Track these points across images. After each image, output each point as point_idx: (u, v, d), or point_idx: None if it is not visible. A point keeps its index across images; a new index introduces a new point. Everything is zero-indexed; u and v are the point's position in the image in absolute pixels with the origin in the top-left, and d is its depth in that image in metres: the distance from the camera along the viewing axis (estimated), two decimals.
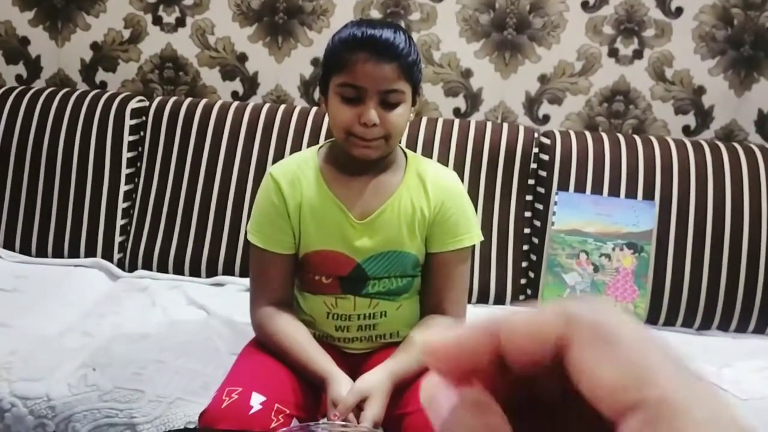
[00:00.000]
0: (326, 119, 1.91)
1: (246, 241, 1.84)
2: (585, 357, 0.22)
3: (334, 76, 1.22)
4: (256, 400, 1.14)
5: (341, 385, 1.18)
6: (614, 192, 1.83)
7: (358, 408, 1.16)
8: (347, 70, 1.20)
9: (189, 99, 2.01)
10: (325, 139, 1.83)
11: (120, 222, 1.95)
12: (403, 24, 2.05)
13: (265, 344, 1.30)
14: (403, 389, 1.22)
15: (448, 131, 1.90)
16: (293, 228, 1.30)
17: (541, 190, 1.88)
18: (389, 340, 1.34)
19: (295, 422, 1.18)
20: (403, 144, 1.35)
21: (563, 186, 1.84)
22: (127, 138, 1.96)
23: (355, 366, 1.28)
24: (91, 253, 1.93)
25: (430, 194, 1.30)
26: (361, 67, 1.18)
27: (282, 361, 1.26)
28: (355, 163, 1.28)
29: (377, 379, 1.19)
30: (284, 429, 1.02)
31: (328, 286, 1.32)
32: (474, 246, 1.36)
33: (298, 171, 1.31)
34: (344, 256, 1.29)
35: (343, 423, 1.08)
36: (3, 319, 1.57)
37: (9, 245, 1.96)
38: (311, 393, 1.23)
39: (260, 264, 1.33)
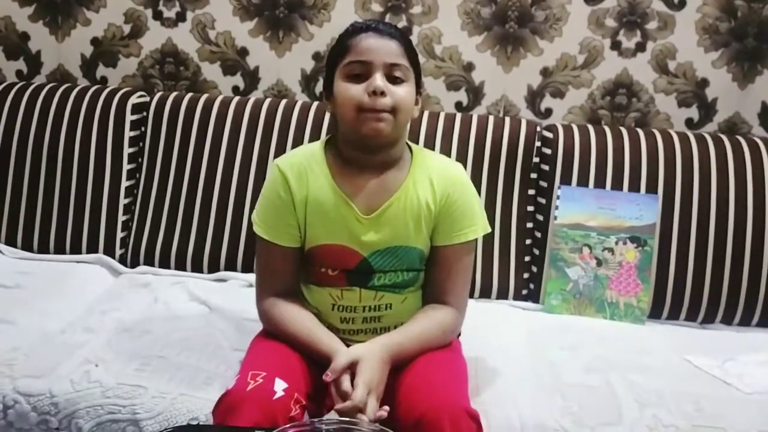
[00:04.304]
0: (327, 113, 1.90)
1: (248, 236, 1.85)
2: None
3: (340, 61, 1.26)
4: (280, 386, 1.15)
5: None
6: (617, 186, 1.82)
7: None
8: (352, 50, 1.25)
9: (190, 94, 2.01)
10: (327, 135, 1.83)
11: (122, 218, 1.95)
12: (404, 18, 2.05)
13: (273, 334, 1.31)
14: (399, 366, 1.23)
15: (450, 125, 1.89)
16: (299, 221, 1.30)
17: (544, 184, 1.87)
18: None
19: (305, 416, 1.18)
20: (406, 138, 1.36)
21: (566, 180, 1.84)
22: (128, 133, 1.96)
23: None
24: (93, 249, 1.93)
25: (436, 187, 1.31)
26: (365, 43, 1.24)
27: (291, 347, 1.26)
28: (361, 157, 1.29)
29: (369, 347, 1.21)
30: (289, 425, 1.02)
31: (334, 278, 1.32)
32: (477, 238, 1.36)
33: (305, 164, 1.31)
34: (350, 251, 1.29)
35: (349, 420, 1.07)
36: (5, 315, 1.57)
37: (11, 241, 1.96)
38: (322, 385, 1.24)
39: (266, 256, 1.34)
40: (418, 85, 1.31)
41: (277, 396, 1.13)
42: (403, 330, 1.29)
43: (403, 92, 1.25)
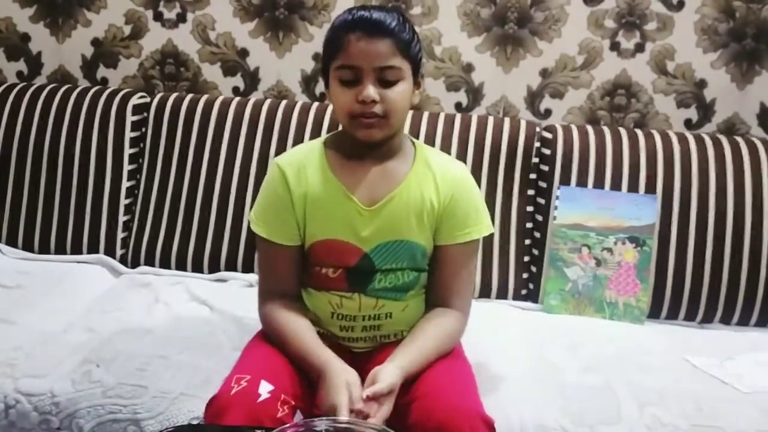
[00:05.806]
0: (327, 114, 1.91)
1: (249, 237, 1.85)
2: None
3: (332, 61, 1.24)
4: (264, 389, 1.15)
5: (341, 384, 1.15)
6: (616, 186, 1.83)
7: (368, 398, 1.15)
8: (342, 52, 1.22)
9: (190, 95, 2.01)
10: (327, 134, 1.84)
11: (122, 218, 1.95)
12: None
13: (269, 336, 1.31)
14: (412, 378, 1.22)
15: (449, 126, 1.89)
16: (298, 219, 1.30)
17: (543, 184, 1.88)
18: (393, 340, 1.35)
19: (298, 415, 1.18)
20: (405, 127, 1.35)
21: (565, 180, 1.84)
22: (128, 134, 1.96)
23: (359, 364, 1.27)
24: (93, 249, 1.93)
25: (439, 186, 1.30)
26: (355, 46, 1.21)
27: (284, 353, 1.26)
28: (361, 148, 1.28)
29: (395, 379, 1.17)
30: (286, 425, 1.02)
31: (335, 280, 1.31)
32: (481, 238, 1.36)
33: (304, 160, 1.31)
34: (351, 246, 1.29)
35: (352, 420, 1.08)
36: (6, 315, 1.57)
37: (12, 242, 1.96)
38: (312, 386, 1.24)
39: (266, 255, 1.34)
40: (418, 70, 1.27)
41: (261, 398, 1.13)
42: (419, 349, 1.25)
43: (396, 94, 1.22)
